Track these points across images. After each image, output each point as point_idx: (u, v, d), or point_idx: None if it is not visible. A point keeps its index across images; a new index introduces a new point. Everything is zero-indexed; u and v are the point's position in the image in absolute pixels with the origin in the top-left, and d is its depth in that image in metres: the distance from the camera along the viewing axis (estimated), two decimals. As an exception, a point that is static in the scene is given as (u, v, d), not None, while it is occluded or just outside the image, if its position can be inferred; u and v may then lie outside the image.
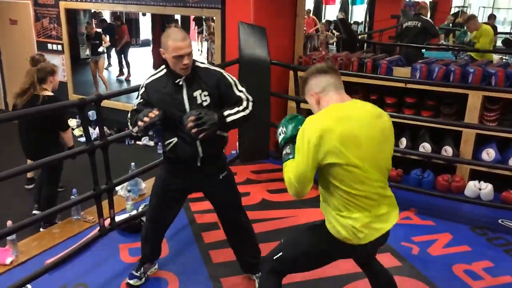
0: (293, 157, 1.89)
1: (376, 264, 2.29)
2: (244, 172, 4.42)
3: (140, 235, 2.78)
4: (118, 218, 3.27)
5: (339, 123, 1.83)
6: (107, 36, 8.72)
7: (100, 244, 3.17)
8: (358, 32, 10.03)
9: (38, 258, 3.00)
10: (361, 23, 10.79)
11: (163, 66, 2.40)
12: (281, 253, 2.06)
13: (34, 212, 3.98)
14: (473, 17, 7.05)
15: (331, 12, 11.18)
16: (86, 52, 7.96)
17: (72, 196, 3.54)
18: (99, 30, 8.64)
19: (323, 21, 10.52)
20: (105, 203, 3.11)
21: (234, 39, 4.42)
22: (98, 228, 3.11)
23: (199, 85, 2.34)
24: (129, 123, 2.40)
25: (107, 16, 10.65)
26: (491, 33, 6.48)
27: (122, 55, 9.25)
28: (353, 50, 5.50)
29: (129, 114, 2.41)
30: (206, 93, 2.34)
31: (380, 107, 1.99)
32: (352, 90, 4.43)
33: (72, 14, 6.80)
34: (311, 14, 10.40)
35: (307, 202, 3.90)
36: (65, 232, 3.35)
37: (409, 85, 4.25)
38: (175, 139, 2.39)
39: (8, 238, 2.92)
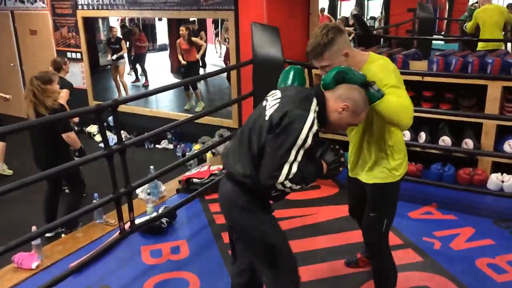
0: (383, 93, 1.99)
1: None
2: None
3: (160, 237, 2.76)
4: (139, 221, 3.32)
5: None
6: (127, 43, 8.74)
7: (122, 247, 3.23)
8: (375, 27, 9.91)
9: (62, 262, 3.07)
10: (378, 18, 10.67)
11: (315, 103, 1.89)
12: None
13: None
14: None
15: (347, 9, 11.06)
16: (108, 57, 7.87)
17: (94, 201, 3.61)
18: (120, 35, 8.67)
19: (340, 17, 10.42)
20: (125, 207, 3.16)
21: (247, 40, 4.43)
22: (119, 231, 3.17)
23: None
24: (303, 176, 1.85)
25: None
26: (482, 16, 5.74)
27: (138, 63, 9.20)
28: (368, 46, 5.44)
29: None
30: None
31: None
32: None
33: (90, 22, 6.93)
34: (325, 12, 10.32)
35: (326, 200, 3.92)
36: (88, 236, 3.42)
37: (426, 79, 4.19)
38: None
39: (33, 243, 3.00)
